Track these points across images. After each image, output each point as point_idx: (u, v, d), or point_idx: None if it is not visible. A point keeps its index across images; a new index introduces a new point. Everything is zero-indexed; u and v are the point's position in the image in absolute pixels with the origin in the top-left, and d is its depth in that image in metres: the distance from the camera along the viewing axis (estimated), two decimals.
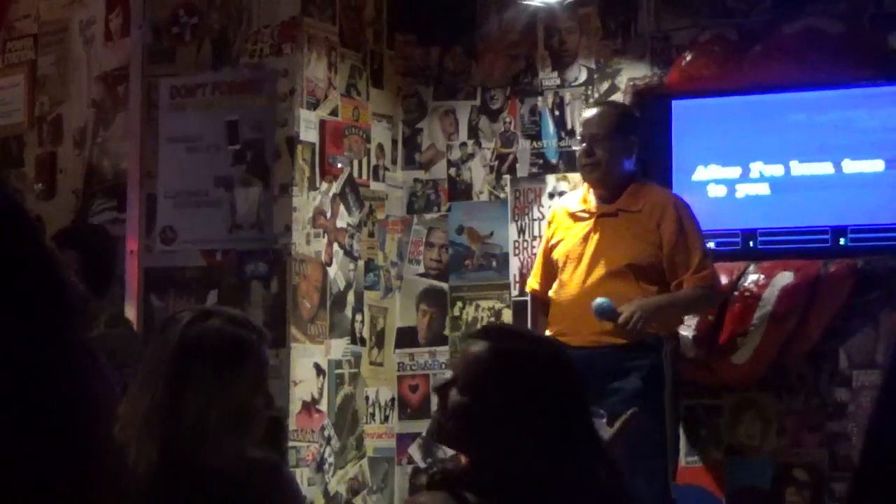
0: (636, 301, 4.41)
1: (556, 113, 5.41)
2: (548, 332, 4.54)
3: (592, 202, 4.63)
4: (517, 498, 2.26)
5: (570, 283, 4.58)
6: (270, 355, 4.87)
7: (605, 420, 2.82)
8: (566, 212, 4.71)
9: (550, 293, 4.66)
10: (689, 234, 4.53)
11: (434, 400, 2.53)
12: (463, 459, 2.47)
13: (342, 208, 5.29)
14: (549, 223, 4.81)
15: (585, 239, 4.56)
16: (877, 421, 1.13)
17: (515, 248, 5.44)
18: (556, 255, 4.63)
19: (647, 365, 4.40)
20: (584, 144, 4.62)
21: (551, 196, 5.37)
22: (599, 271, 4.51)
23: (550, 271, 4.70)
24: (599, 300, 4.41)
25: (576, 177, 5.34)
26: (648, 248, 4.51)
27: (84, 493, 0.93)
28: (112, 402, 1.01)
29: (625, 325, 4.35)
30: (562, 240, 4.64)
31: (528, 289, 4.95)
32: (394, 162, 5.67)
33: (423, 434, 5.37)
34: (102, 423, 0.97)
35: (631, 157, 4.64)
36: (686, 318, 4.77)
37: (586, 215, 4.61)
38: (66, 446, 0.92)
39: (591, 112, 4.73)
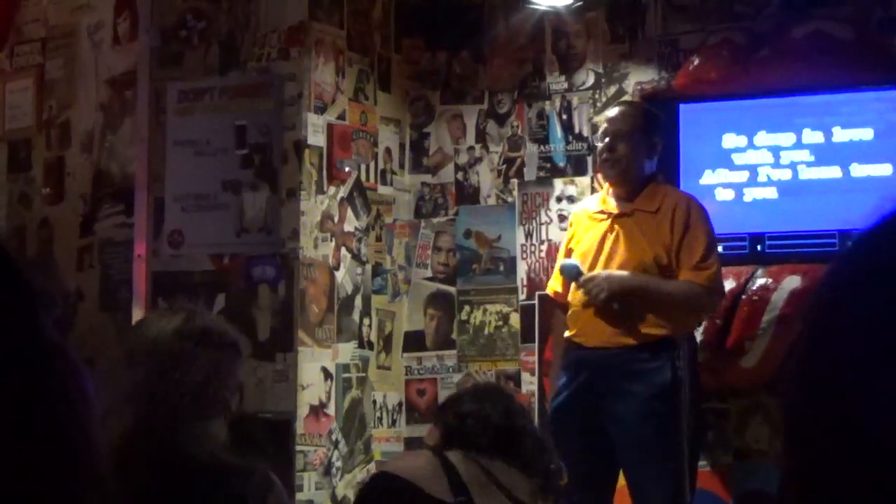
0: (605, 272, 4.40)
1: (564, 117, 5.41)
2: (566, 335, 4.55)
3: (611, 203, 4.59)
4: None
5: None
6: (279, 359, 4.93)
7: None
8: (586, 214, 4.66)
9: (569, 297, 4.60)
10: (694, 232, 4.46)
11: None
12: None
13: (350, 212, 5.30)
14: (570, 226, 4.76)
15: (602, 240, 4.51)
16: None
17: (523, 251, 5.44)
18: (575, 256, 4.60)
19: (661, 367, 4.33)
20: (606, 140, 4.56)
21: (559, 200, 5.37)
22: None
23: None
24: (567, 260, 4.50)
25: (584, 181, 5.35)
26: (661, 250, 4.46)
27: (59, 489, 0.93)
28: (86, 400, 1.00)
29: (582, 288, 4.38)
30: (580, 241, 4.61)
31: (548, 291, 4.82)
32: (401, 166, 5.67)
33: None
34: (78, 420, 0.96)
35: (652, 158, 4.60)
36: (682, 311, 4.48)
37: (604, 216, 4.56)
38: (41, 444, 0.92)
39: (615, 109, 4.70)
